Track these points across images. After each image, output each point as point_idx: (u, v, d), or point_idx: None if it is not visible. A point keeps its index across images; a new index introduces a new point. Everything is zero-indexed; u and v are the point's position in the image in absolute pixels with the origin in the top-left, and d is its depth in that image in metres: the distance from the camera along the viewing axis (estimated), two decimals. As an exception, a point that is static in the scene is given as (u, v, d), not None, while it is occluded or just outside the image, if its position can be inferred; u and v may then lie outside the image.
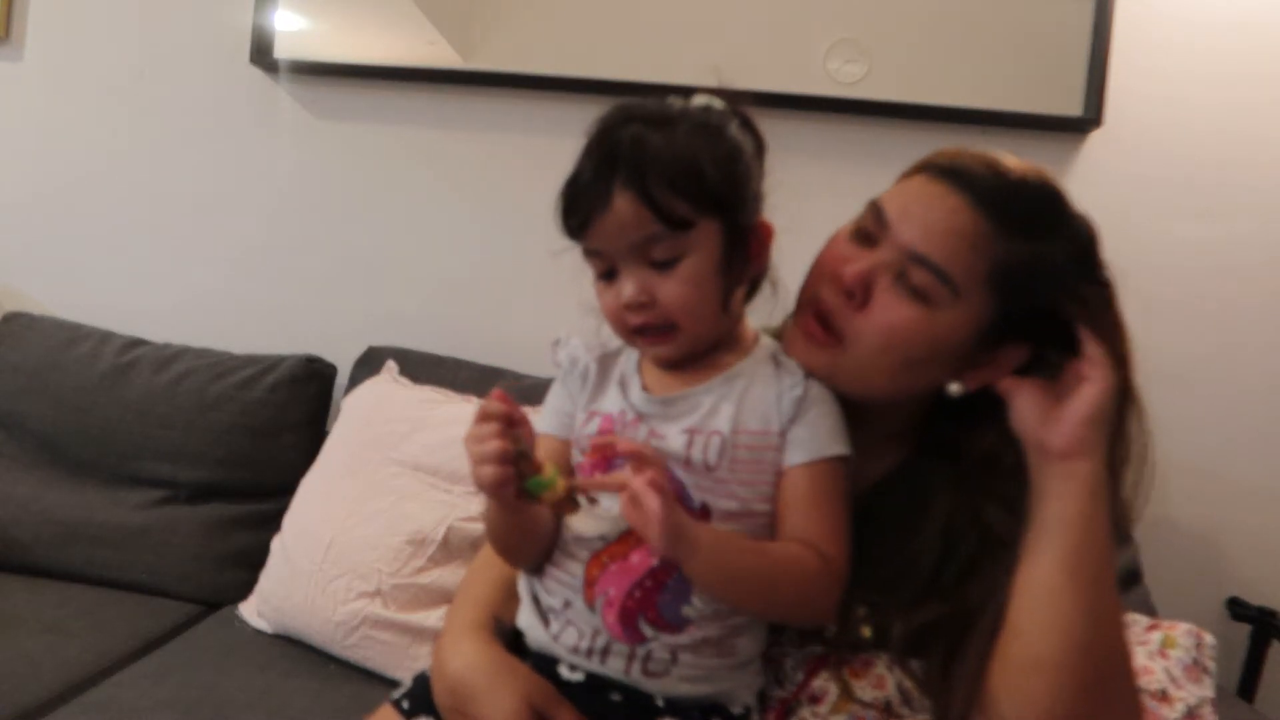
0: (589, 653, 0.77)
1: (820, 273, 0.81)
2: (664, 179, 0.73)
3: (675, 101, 0.80)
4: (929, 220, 0.75)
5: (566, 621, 0.78)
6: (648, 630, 0.75)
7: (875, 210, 0.79)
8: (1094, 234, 0.80)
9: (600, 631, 0.76)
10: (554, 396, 0.87)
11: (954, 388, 0.78)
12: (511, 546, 0.82)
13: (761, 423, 0.77)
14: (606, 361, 0.84)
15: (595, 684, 0.77)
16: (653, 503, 0.65)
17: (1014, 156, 0.79)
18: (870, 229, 0.79)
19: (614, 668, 0.76)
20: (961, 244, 0.74)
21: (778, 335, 0.85)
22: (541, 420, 0.86)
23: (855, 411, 0.80)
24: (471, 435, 0.72)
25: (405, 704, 0.84)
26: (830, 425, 0.78)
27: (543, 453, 0.79)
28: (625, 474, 0.69)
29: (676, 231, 0.74)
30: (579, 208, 0.76)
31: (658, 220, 0.73)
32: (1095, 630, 0.71)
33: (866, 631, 0.82)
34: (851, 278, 0.76)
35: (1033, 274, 0.74)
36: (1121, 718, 0.73)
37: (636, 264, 0.76)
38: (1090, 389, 0.72)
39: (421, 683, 0.85)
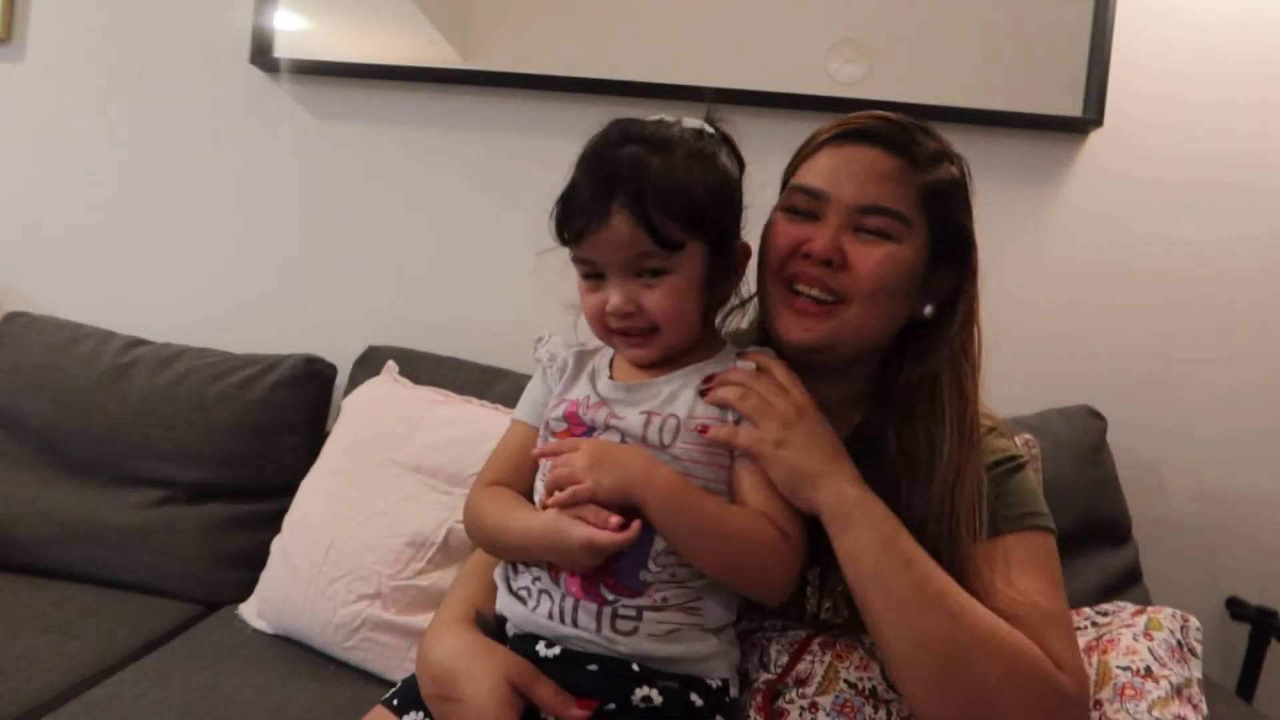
0: (562, 615, 0.81)
1: (782, 257, 0.87)
2: (660, 202, 0.78)
3: (668, 123, 0.85)
4: (858, 176, 0.84)
5: (540, 593, 0.83)
6: (609, 595, 0.80)
7: (803, 191, 0.87)
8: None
9: (567, 595, 0.81)
10: (532, 389, 0.94)
11: (928, 310, 0.87)
12: (511, 549, 0.87)
13: (715, 410, 0.83)
14: (583, 358, 0.91)
15: (571, 658, 0.81)
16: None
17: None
18: (806, 207, 0.86)
19: (585, 626, 0.80)
20: (892, 184, 0.84)
21: (739, 339, 0.93)
22: (519, 408, 0.94)
23: (818, 384, 0.86)
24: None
25: (395, 702, 0.88)
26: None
27: (516, 440, 0.91)
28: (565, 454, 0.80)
29: (667, 251, 0.80)
30: (576, 220, 0.81)
31: (651, 240, 0.79)
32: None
33: (818, 606, 0.87)
34: (824, 249, 0.83)
35: (946, 192, 0.85)
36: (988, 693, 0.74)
37: (625, 275, 0.82)
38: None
39: (410, 683, 0.88)
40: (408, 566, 1.24)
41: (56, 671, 1.19)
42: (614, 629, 0.79)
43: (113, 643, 1.28)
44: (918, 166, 0.84)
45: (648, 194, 0.78)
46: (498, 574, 0.89)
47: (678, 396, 0.84)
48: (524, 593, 0.84)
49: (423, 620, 1.22)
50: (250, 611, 1.36)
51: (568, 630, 0.80)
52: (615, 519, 0.76)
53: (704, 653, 0.81)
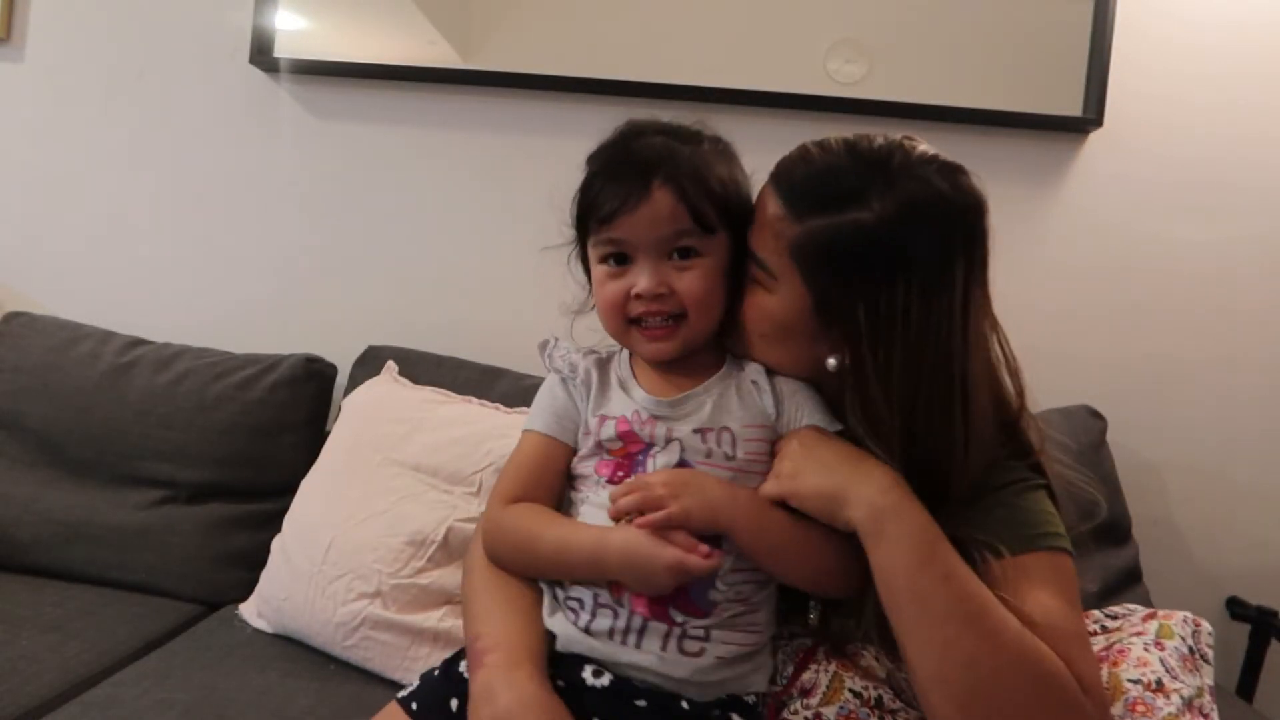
0: (625, 633, 0.79)
1: None
2: (699, 183, 0.80)
3: (687, 124, 0.87)
4: (757, 221, 0.84)
5: (596, 607, 0.80)
6: (678, 616, 0.78)
7: None
8: (927, 196, 0.78)
9: (635, 614, 0.79)
10: (550, 398, 0.90)
11: (830, 362, 0.81)
12: (571, 567, 0.85)
13: (761, 416, 0.84)
14: (603, 366, 0.89)
15: (620, 690, 0.79)
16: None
17: (877, 134, 0.81)
18: None
19: (650, 648, 0.78)
20: (768, 232, 0.82)
21: None
22: (535, 419, 0.90)
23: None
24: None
25: (414, 705, 0.85)
26: (817, 404, 0.85)
27: (534, 451, 0.88)
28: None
29: (703, 233, 0.81)
30: (611, 199, 0.81)
31: (691, 218, 0.80)
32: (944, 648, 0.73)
33: (815, 620, 0.87)
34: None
35: (825, 246, 0.78)
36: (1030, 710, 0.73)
37: (657, 257, 0.82)
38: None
39: (430, 684, 0.86)
40: (408, 565, 1.24)
41: (56, 671, 1.19)
42: (680, 650, 0.78)
43: (113, 643, 1.28)
44: (798, 215, 0.79)
45: (687, 173, 0.80)
46: (543, 583, 0.86)
47: (723, 408, 0.84)
48: (575, 604, 0.82)
49: (423, 619, 1.22)
50: (250, 611, 1.36)
51: (628, 655, 0.79)
52: (704, 547, 0.76)
53: (748, 669, 0.81)
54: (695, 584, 0.78)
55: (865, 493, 0.76)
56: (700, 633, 0.79)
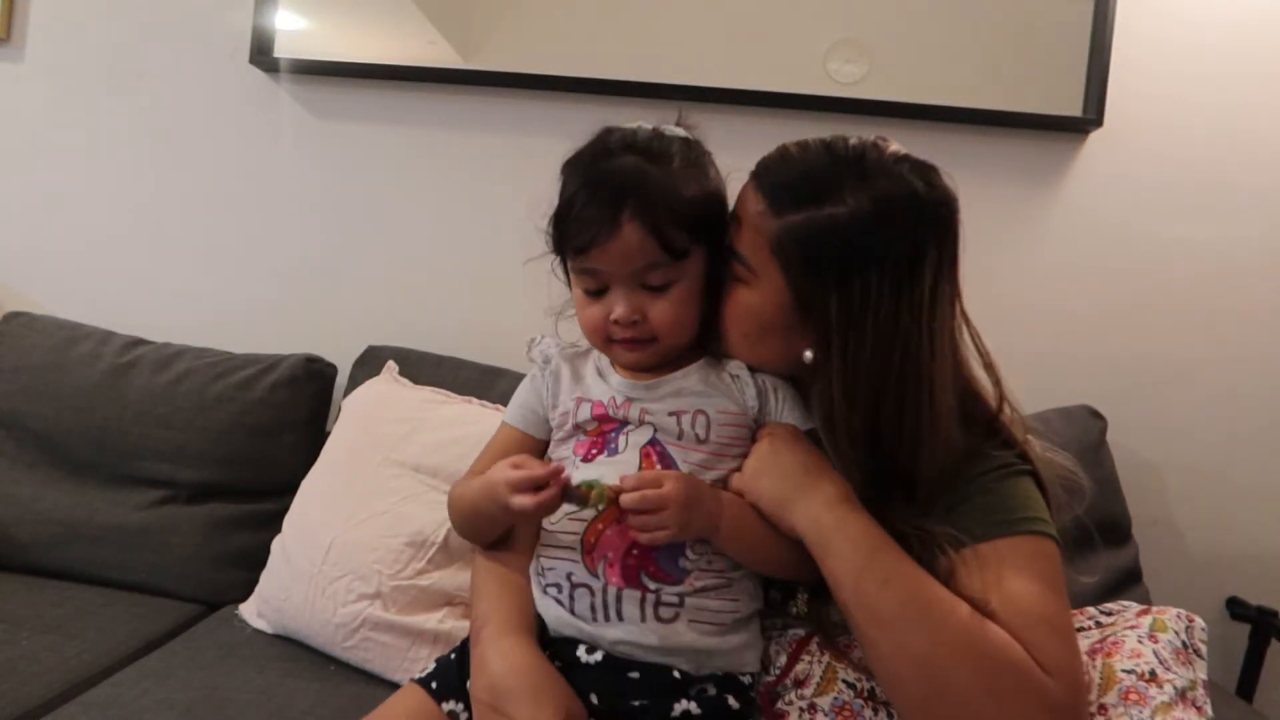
0: (605, 609, 0.81)
1: None
2: (669, 213, 0.81)
3: (660, 133, 0.86)
4: (738, 219, 0.86)
5: (576, 588, 0.83)
6: (650, 583, 0.81)
7: None
8: (900, 191, 0.80)
9: (609, 586, 0.81)
10: (522, 392, 0.96)
11: (806, 355, 0.83)
12: (489, 535, 0.91)
13: (737, 405, 0.87)
14: (579, 359, 0.93)
15: (613, 664, 0.81)
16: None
17: (852, 136, 0.83)
18: None
19: (630, 616, 0.81)
20: (749, 228, 0.83)
21: None
22: (508, 411, 0.96)
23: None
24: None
25: (433, 685, 0.88)
26: (796, 401, 0.88)
27: (504, 441, 0.94)
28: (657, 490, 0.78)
29: (675, 260, 0.82)
30: (583, 231, 0.81)
31: (661, 250, 0.81)
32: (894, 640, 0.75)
33: (801, 607, 0.88)
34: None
35: (803, 240, 0.80)
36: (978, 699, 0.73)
37: (631, 285, 0.83)
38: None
39: (446, 666, 0.89)
40: (408, 566, 1.24)
41: (56, 671, 1.19)
42: (658, 617, 0.80)
43: (113, 643, 1.28)
44: (777, 209, 0.81)
45: (656, 203, 0.80)
46: (531, 571, 0.89)
47: (699, 392, 0.86)
48: (555, 590, 0.85)
49: (423, 620, 1.22)
50: (250, 611, 1.36)
51: (612, 631, 0.81)
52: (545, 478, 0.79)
53: (738, 644, 0.83)
54: (663, 549, 0.81)
55: (811, 506, 0.79)
56: (674, 599, 0.81)
